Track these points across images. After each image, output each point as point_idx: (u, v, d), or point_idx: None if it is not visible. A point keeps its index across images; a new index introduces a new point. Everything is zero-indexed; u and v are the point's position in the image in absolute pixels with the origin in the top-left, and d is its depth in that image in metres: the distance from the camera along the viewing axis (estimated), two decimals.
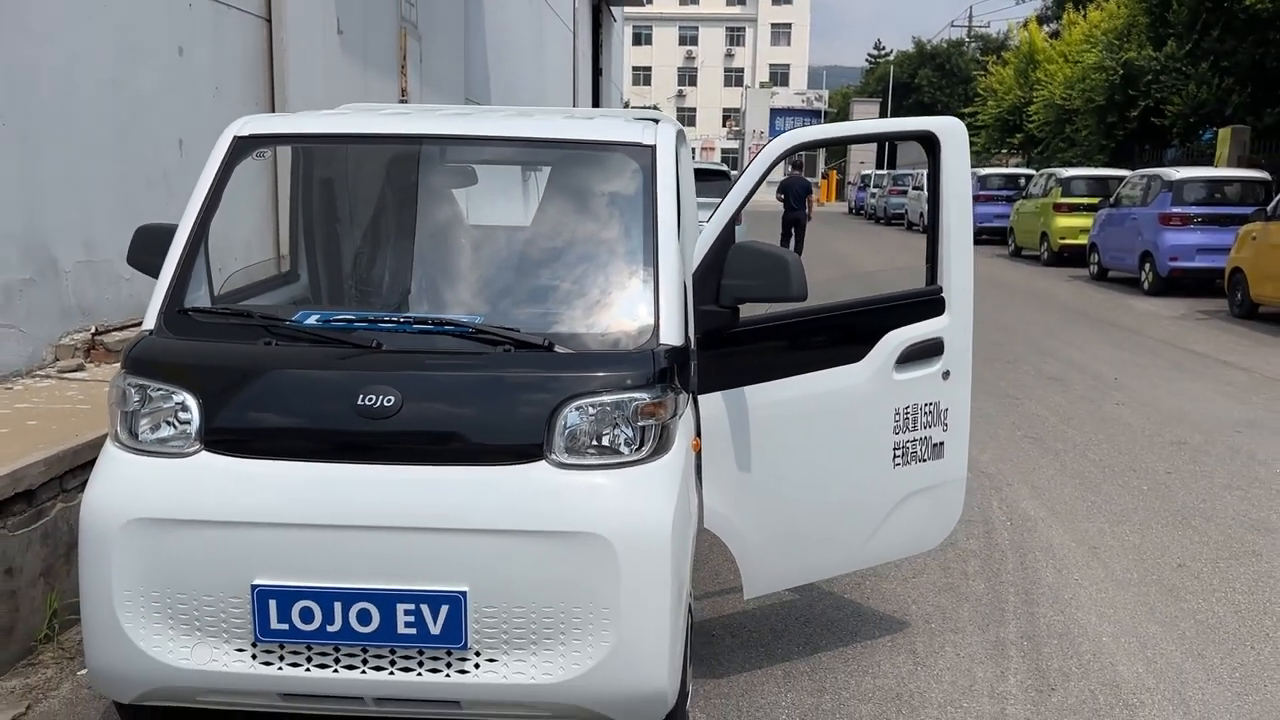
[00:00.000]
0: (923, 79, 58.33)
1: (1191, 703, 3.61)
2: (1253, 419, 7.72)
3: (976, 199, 24.83)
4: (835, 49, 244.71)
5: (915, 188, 31.39)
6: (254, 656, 2.83)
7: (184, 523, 2.80)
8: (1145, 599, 4.48)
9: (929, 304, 3.70)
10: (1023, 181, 23.83)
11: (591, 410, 2.86)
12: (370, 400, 2.82)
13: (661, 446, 2.93)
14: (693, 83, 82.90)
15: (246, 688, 2.85)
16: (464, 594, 2.76)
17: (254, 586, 2.78)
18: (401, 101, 10.70)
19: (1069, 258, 19.28)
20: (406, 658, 2.82)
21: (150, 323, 3.13)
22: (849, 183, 48.58)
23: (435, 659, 2.81)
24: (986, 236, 24.53)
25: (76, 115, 5.65)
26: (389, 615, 2.77)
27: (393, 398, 2.82)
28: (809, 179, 19.67)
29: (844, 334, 3.59)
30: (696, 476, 3.33)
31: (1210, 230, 14.97)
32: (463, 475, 2.81)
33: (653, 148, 3.37)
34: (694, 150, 67.41)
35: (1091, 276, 17.61)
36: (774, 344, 3.46)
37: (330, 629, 2.78)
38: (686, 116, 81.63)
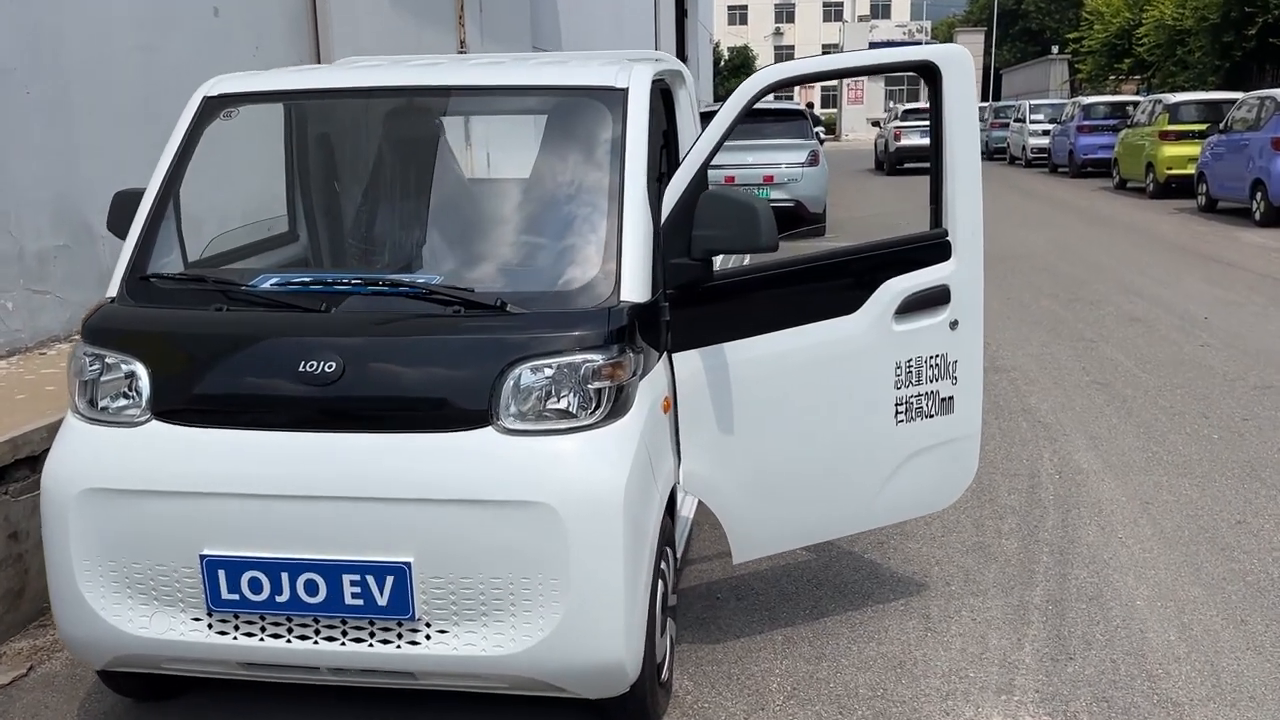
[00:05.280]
0: (1030, 4, 55.67)
1: (1223, 674, 3.34)
2: None
3: (1080, 130, 23.86)
4: None
5: (1017, 119, 30.10)
6: (210, 626, 2.81)
7: (133, 493, 2.79)
8: (1192, 559, 4.17)
9: (933, 249, 3.44)
10: (1130, 110, 22.57)
11: (539, 373, 2.74)
12: (311, 367, 2.74)
13: (617, 410, 2.79)
14: (790, 19, 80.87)
15: (204, 656, 2.85)
16: (408, 565, 2.68)
17: (202, 557, 2.75)
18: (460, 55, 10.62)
19: (1176, 189, 18.20)
20: (358, 628, 2.77)
21: (113, 290, 3.12)
22: None
23: (386, 630, 2.75)
24: (1091, 169, 23.47)
25: (107, 82, 5.71)
26: (335, 586, 2.71)
27: (334, 364, 2.74)
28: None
29: (836, 284, 3.36)
30: (675, 437, 3.19)
31: None
32: (405, 443, 2.72)
33: (624, 91, 3.19)
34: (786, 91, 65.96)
35: (1199, 208, 16.60)
36: (756, 297, 3.25)
37: (279, 599, 2.74)
38: (784, 54, 79.84)
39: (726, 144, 11.66)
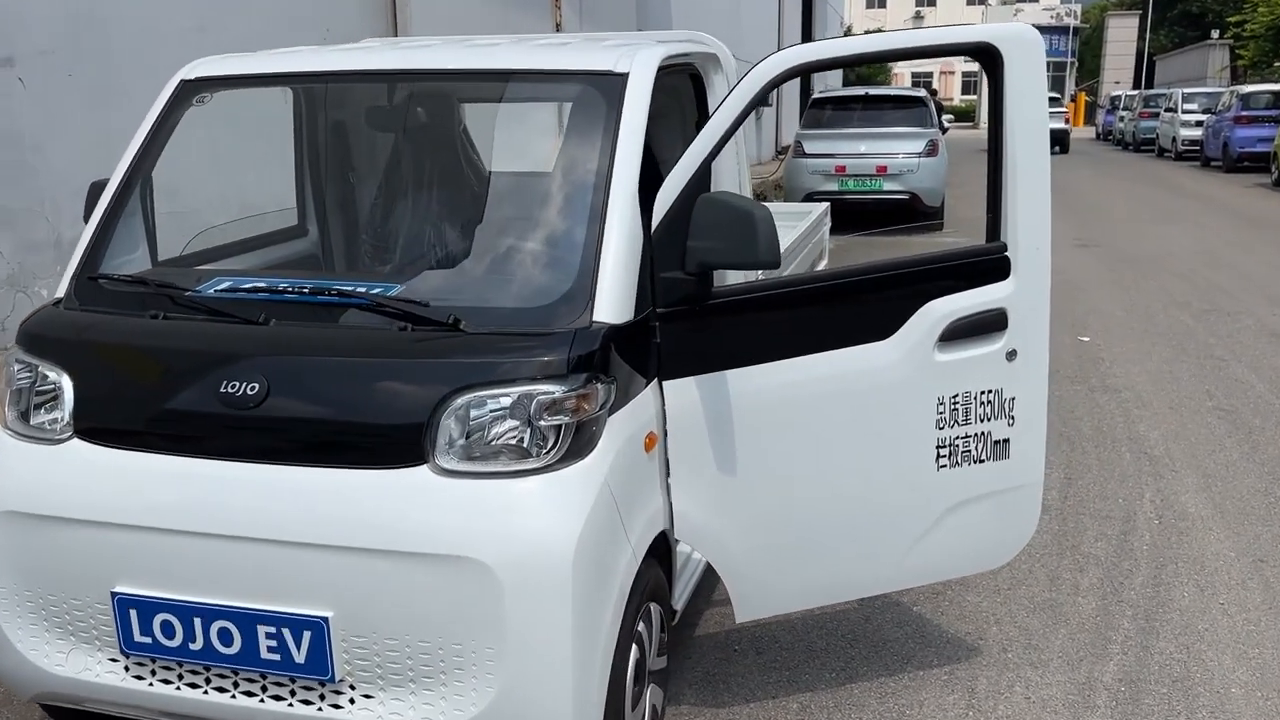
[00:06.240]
0: None
1: None
2: None
3: (1237, 121, 22.12)
4: None
5: (1168, 109, 28.25)
6: (126, 669, 2.55)
7: (46, 518, 2.53)
8: None
9: (988, 265, 2.91)
10: None
11: (483, 405, 2.36)
12: (233, 388, 2.43)
13: (578, 449, 2.39)
14: (931, 2, 78.24)
15: (121, 701, 2.58)
16: (326, 620, 2.35)
17: (114, 594, 2.47)
18: None
19: None
20: (278, 684, 2.45)
21: (61, 290, 2.88)
22: (1099, 105, 44.48)
23: (308, 689, 2.43)
24: (1247, 164, 21.75)
25: (157, 64, 5.51)
26: (250, 637, 2.40)
27: (257, 385, 2.42)
28: None
29: (865, 304, 2.87)
30: (665, 478, 2.76)
31: None
32: (331, 480, 2.38)
33: (623, 77, 2.77)
34: (929, 76, 63.70)
35: None
36: (767, 317, 2.79)
37: (192, 646, 2.44)
38: None
39: (840, 131, 11.09)
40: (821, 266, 6.11)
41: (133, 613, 2.47)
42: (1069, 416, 5.84)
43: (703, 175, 2.67)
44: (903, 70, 63.70)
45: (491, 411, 2.35)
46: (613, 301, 2.50)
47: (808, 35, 26.14)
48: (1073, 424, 5.71)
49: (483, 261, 2.78)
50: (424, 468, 2.35)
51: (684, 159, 2.66)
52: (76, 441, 2.57)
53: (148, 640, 2.47)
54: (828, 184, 13.03)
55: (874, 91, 14.89)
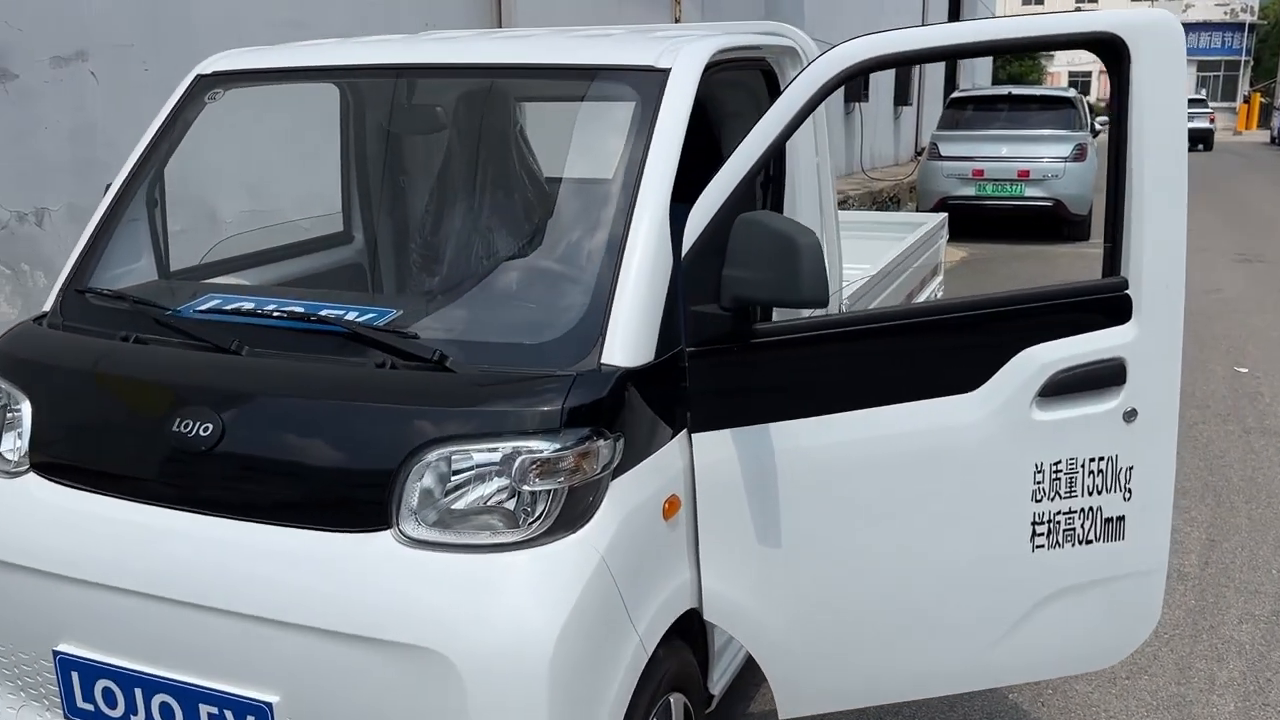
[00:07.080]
0: None
1: None
2: None
3: None
4: None
5: None
6: None
7: None
8: None
9: (1103, 305, 2.38)
10: None
11: (459, 462, 1.98)
12: (185, 427, 2.12)
13: (569, 520, 1.99)
14: None
15: None
16: (270, 706, 2.02)
17: (55, 653, 2.20)
18: None
19: None
20: None
21: (49, 303, 2.65)
22: (1275, 107, 41.44)
23: None
24: None
25: None
26: (192, 716, 2.09)
27: (210, 425, 2.10)
28: None
29: (947, 349, 2.37)
30: (695, 548, 2.33)
31: None
32: (283, 542, 2.04)
33: (664, 73, 2.36)
34: (1086, 75, 60.71)
35: None
36: (823, 361, 2.32)
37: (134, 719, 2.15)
38: None
39: (979, 133, 10.28)
40: (936, 283, 5.54)
41: (75, 675, 2.19)
42: (1217, 463, 5.12)
43: (745, 191, 2.23)
44: (1059, 69, 60.78)
45: (466, 471, 1.98)
46: (628, 340, 2.09)
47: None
48: (1220, 472, 4.99)
49: (491, 286, 2.42)
50: (387, 534, 1.99)
51: (723, 171, 2.22)
52: (32, 476, 2.31)
53: (90, 707, 2.20)
54: (964, 188, 12.26)
55: (1018, 91, 14.01)
